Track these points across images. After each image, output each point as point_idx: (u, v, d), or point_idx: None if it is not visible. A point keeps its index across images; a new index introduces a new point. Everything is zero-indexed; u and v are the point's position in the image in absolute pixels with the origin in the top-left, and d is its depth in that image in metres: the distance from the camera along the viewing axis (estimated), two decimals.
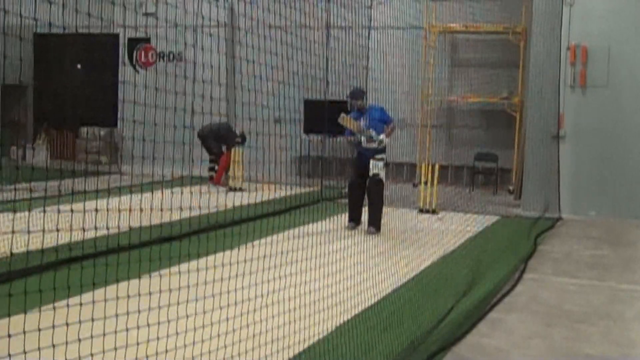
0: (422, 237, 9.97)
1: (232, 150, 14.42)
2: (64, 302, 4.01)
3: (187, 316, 4.48)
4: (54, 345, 3.65)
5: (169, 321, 4.32)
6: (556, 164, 12.69)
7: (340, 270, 6.20)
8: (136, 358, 4.07)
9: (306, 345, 5.08)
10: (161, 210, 5.52)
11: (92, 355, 3.79)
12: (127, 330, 4.07)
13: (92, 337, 3.85)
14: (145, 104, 5.45)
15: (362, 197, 10.28)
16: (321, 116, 13.76)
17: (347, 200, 10.67)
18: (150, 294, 4.34)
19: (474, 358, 5.33)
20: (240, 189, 13.50)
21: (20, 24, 5.00)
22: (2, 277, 6.13)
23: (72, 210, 4.53)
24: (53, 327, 3.68)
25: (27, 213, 4.67)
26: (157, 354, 4.15)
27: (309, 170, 16.74)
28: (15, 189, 5.01)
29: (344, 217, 10.46)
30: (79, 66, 18.45)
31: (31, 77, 19.00)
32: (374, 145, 9.99)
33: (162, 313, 4.32)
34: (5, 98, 18.37)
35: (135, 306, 4.26)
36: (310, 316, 5.27)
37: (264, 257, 5.56)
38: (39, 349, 3.64)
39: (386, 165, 10.37)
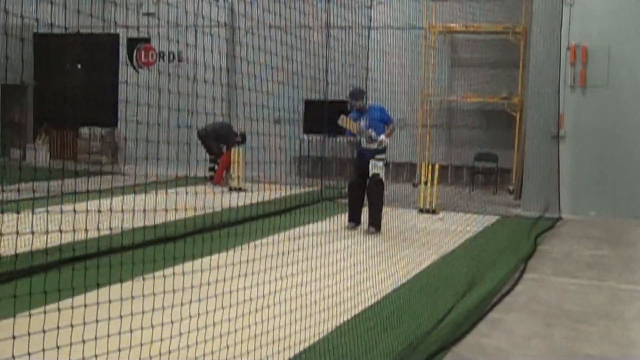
0: (422, 237, 9.99)
1: (232, 150, 14.44)
2: (68, 303, 4.03)
3: (190, 317, 4.50)
4: (58, 347, 3.67)
5: (172, 322, 4.35)
6: (556, 164, 12.71)
7: (340, 270, 6.22)
8: (140, 359, 4.09)
9: (306, 345, 5.10)
10: (166, 210, 5.54)
11: (96, 356, 3.81)
12: (131, 331, 4.09)
13: (96, 338, 3.87)
14: (148, 104, 5.47)
15: (362, 197, 10.29)
16: (321, 116, 13.80)
17: (347, 200, 10.68)
18: (154, 294, 4.37)
19: (474, 358, 5.34)
20: (240, 189, 13.52)
21: (20, 24, 5.02)
22: (3, 277, 6.15)
23: (74, 211, 4.54)
24: (58, 328, 3.70)
25: (23, 214, 4.67)
26: (160, 354, 4.16)
27: (309, 170, 16.76)
28: (19, 190, 5.02)
29: (344, 217, 10.48)
30: (79, 66, 18.46)
31: (31, 77, 19.01)
32: (374, 145, 10.01)
33: (165, 314, 4.34)
34: (6, 98, 18.40)
35: (138, 307, 4.28)
36: (311, 316, 5.29)
37: (265, 257, 5.58)
38: (43, 350, 3.65)
39: (386, 165, 10.39)
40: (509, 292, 7.33)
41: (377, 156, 10.05)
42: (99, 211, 5.03)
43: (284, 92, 7.17)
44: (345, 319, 5.81)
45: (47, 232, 4.70)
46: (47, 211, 5.51)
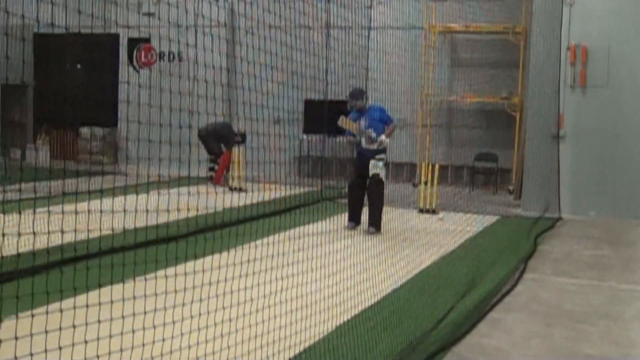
0: (422, 237, 10.00)
1: (232, 150, 14.44)
2: (70, 303, 4.04)
3: (192, 317, 4.51)
4: (60, 347, 3.68)
5: (173, 322, 4.36)
6: (556, 164, 12.72)
7: (340, 270, 6.23)
8: (141, 359, 4.10)
9: (307, 346, 5.11)
10: (167, 211, 5.55)
11: (98, 357, 3.82)
12: (132, 331, 4.10)
13: (98, 338, 3.88)
14: (149, 104, 5.47)
15: (362, 197, 10.30)
16: (321, 116, 13.81)
17: (347, 200, 10.69)
18: (156, 295, 4.38)
19: (474, 358, 5.35)
20: (241, 189, 13.52)
21: (19, 24, 5.02)
22: (3, 277, 6.16)
23: (76, 211, 4.55)
24: (60, 329, 3.70)
25: (24, 214, 4.67)
26: (162, 354, 4.18)
27: (309, 170, 16.76)
28: (20, 190, 5.03)
29: (344, 217, 10.48)
30: (79, 66, 18.47)
31: (31, 77, 19.02)
32: (374, 145, 10.01)
33: (167, 314, 4.36)
34: (6, 98, 18.40)
35: (140, 307, 4.29)
36: (311, 316, 5.29)
37: (265, 257, 5.59)
38: (45, 351, 3.66)
39: (386, 165, 10.40)
40: (509, 292, 7.33)
41: (377, 156, 10.06)
42: (101, 211, 5.04)
43: (283, 92, 7.17)
44: (346, 319, 5.81)
45: (48, 232, 4.71)
46: (49, 211, 5.52)
